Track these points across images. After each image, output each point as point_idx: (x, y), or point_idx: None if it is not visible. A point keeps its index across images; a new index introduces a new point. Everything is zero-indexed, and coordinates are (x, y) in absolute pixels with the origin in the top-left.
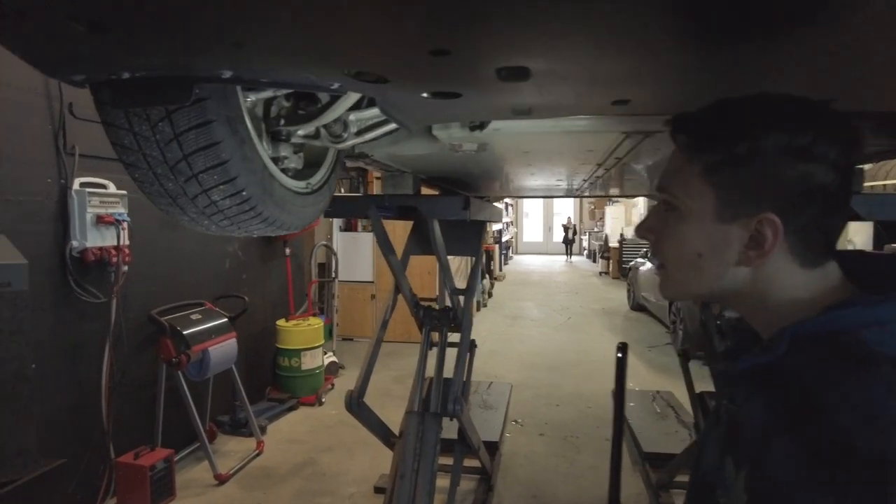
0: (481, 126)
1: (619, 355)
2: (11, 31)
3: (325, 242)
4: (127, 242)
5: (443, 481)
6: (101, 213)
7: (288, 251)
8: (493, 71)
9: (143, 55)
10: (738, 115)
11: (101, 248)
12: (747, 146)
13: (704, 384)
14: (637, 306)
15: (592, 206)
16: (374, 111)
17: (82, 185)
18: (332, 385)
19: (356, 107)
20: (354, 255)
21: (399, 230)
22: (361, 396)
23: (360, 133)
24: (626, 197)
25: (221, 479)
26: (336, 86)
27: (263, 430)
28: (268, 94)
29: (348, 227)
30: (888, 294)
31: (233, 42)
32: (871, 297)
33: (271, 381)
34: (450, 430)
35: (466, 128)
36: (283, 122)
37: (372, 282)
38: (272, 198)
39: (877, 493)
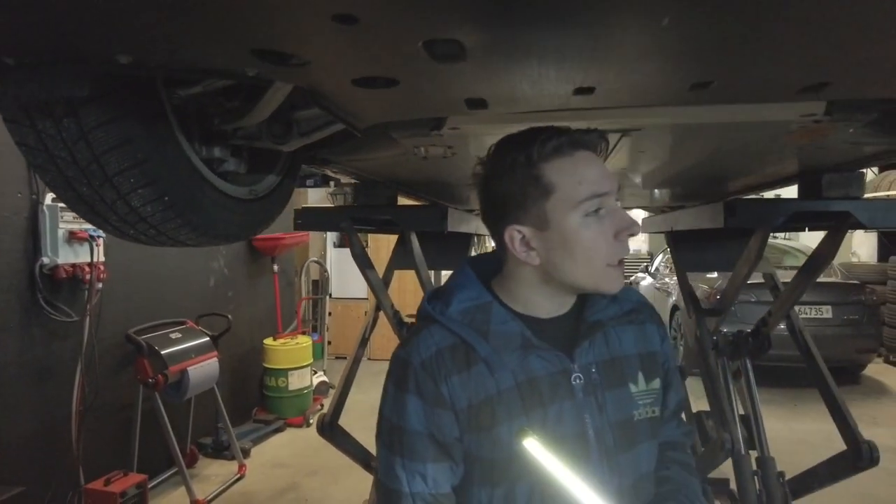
0: (438, 125)
1: None
2: None
3: (315, 259)
4: (102, 259)
5: None
6: (74, 229)
7: (276, 268)
8: (418, 46)
9: (17, 33)
10: None
11: (73, 265)
12: None
13: (702, 403)
14: None
15: None
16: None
17: (54, 199)
18: (322, 406)
19: (302, 105)
20: (349, 271)
21: (391, 244)
22: (336, 419)
23: (305, 134)
24: (639, 208)
25: None
26: (253, 73)
27: (247, 452)
28: (198, 88)
29: (342, 244)
30: None
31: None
32: None
33: (258, 402)
34: None
35: (427, 128)
36: (217, 120)
37: (366, 298)
38: (203, 204)
39: None
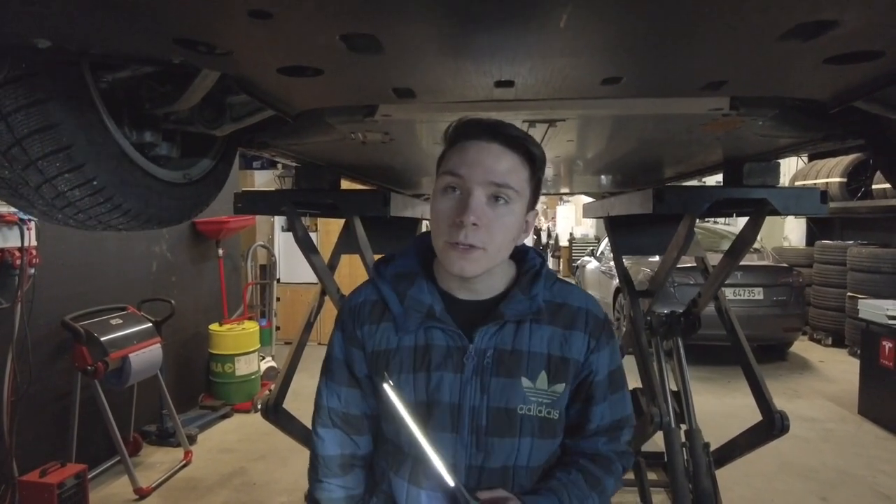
0: (371, 112)
1: None
2: None
3: (262, 243)
4: (34, 243)
5: None
6: (2, 213)
7: (221, 252)
8: (336, 39)
9: None
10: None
11: (2, 250)
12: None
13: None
14: None
15: (545, 206)
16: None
17: None
18: (270, 391)
19: (234, 90)
20: (298, 255)
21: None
22: (280, 402)
23: (238, 119)
24: (582, 193)
25: (142, 494)
26: (179, 60)
27: (193, 439)
28: (126, 73)
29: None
30: None
31: None
32: None
33: (205, 389)
34: None
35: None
36: (148, 105)
37: (316, 283)
38: (133, 189)
39: None
